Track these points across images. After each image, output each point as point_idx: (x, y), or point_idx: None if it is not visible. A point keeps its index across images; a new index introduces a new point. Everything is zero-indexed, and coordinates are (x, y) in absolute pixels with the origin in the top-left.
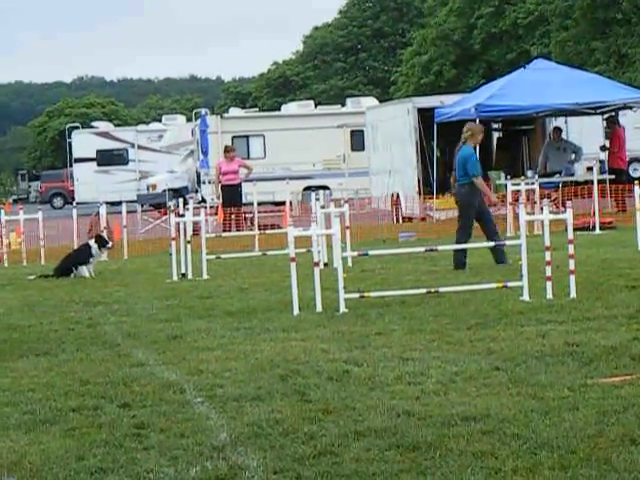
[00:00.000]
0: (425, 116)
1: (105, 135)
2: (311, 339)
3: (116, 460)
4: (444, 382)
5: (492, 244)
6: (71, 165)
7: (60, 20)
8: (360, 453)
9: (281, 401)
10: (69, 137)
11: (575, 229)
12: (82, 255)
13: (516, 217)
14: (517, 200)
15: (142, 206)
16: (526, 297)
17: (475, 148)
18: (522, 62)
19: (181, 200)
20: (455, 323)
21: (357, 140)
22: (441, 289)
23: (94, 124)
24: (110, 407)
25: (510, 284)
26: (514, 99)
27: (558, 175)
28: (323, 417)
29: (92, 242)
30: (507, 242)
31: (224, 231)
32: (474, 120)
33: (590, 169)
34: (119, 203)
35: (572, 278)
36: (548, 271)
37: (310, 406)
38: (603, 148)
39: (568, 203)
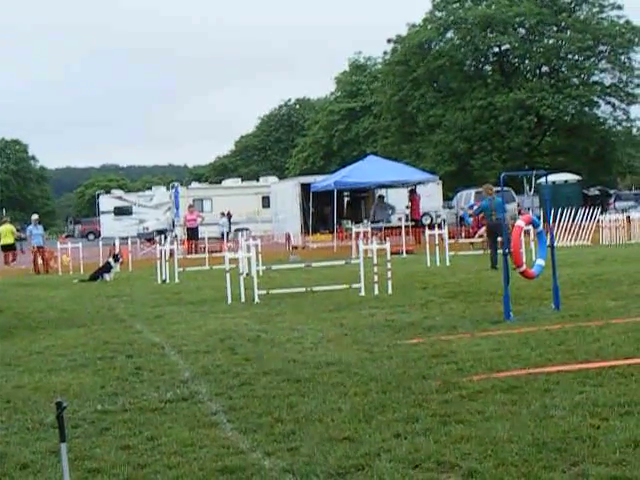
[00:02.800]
0: (305, 188)
1: (119, 198)
2: (238, 317)
3: (124, 388)
4: (315, 342)
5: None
6: (99, 215)
7: (91, 121)
8: (266, 384)
9: (220, 353)
10: (97, 198)
11: (391, 253)
12: (105, 267)
13: (357, 246)
14: (358, 236)
15: (140, 240)
16: (363, 293)
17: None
18: (361, 158)
19: (163, 236)
20: (322, 308)
21: (265, 202)
22: (314, 288)
23: (112, 191)
24: (121, 357)
25: (354, 285)
26: (357, 178)
27: (382, 222)
28: (245, 363)
29: (111, 259)
30: (352, 261)
31: (188, 254)
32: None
33: (400, 219)
34: (127, 238)
35: (389, 282)
36: (375, 278)
37: (237, 357)
38: (407, 207)
39: (387, 238)
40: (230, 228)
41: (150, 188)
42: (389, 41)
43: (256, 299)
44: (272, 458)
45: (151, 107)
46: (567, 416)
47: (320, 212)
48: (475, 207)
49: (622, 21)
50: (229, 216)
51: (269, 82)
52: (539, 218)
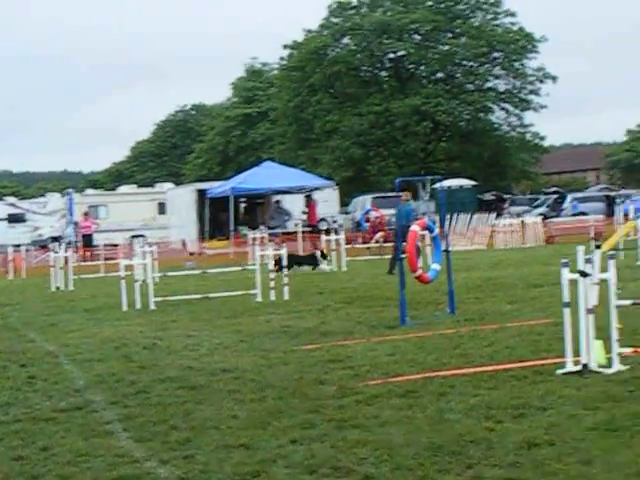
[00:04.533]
0: (201, 194)
1: (12, 205)
2: (133, 325)
3: (17, 398)
4: (211, 349)
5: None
6: None
7: None
8: (162, 392)
9: (115, 361)
10: None
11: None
12: None
13: (253, 252)
14: (255, 242)
15: (34, 247)
16: (259, 299)
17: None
18: (257, 163)
19: (57, 244)
20: (218, 315)
21: (161, 208)
22: (211, 295)
23: (5, 198)
24: (14, 366)
25: (250, 291)
26: (253, 184)
27: (278, 228)
28: (140, 371)
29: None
30: (248, 267)
31: (83, 261)
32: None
33: (297, 225)
34: (20, 245)
35: (286, 288)
36: (272, 284)
37: (132, 364)
38: (304, 212)
39: (284, 244)
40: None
41: (44, 195)
42: (285, 47)
43: (152, 306)
44: (167, 466)
45: (46, 113)
46: (462, 419)
47: (217, 218)
48: (373, 213)
49: (516, 28)
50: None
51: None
52: (434, 223)
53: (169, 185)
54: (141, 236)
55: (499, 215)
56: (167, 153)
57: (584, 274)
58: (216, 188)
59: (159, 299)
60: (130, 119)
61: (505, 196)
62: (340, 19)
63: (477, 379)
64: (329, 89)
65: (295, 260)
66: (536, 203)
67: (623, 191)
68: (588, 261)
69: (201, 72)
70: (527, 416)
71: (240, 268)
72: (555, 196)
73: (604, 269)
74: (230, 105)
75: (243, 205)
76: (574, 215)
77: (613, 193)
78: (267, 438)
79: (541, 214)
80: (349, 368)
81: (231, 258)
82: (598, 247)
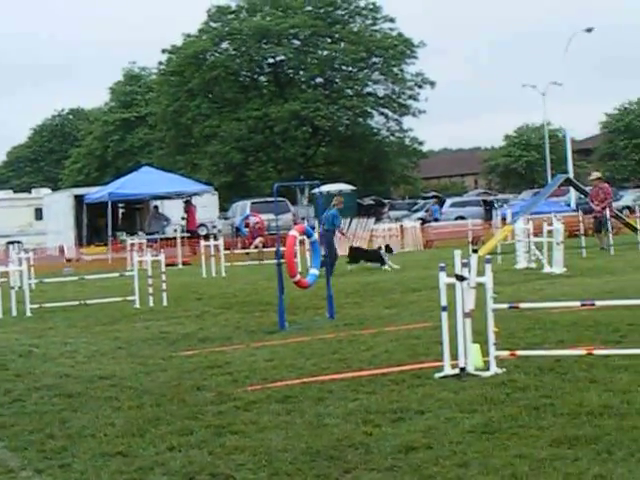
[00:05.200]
0: (79, 199)
1: None
2: (9, 332)
3: None
4: (89, 356)
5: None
6: None
7: None
8: (38, 400)
9: None
10: None
11: (167, 265)
12: None
13: (132, 258)
14: (133, 248)
15: None
16: (137, 305)
17: (338, 211)
18: (136, 168)
19: None
20: (96, 321)
21: (38, 214)
22: (88, 301)
23: None
24: None
25: (129, 298)
26: (132, 189)
27: (157, 233)
28: (15, 379)
29: None
30: (127, 273)
31: None
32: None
33: (176, 230)
34: None
35: (164, 294)
36: (150, 290)
37: (7, 372)
38: (183, 218)
39: (162, 250)
40: None
41: None
42: (164, 51)
43: (28, 313)
44: (43, 476)
45: None
46: (340, 424)
47: (94, 224)
48: (252, 218)
49: (395, 33)
50: None
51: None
52: (314, 228)
53: (46, 190)
54: (17, 242)
55: (378, 220)
56: (44, 158)
57: (461, 278)
58: (94, 193)
59: (35, 306)
60: (6, 124)
61: (384, 201)
62: (219, 24)
63: (356, 384)
64: (208, 94)
65: (361, 255)
66: (415, 207)
67: (501, 195)
68: (465, 265)
69: (78, 76)
70: (405, 420)
71: (118, 274)
72: (434, 200)
73: (481, 273)
74: (108, 110)
75: (121, 211)
76: (436, 220)
77: (491, 197)
78: (145, 445)
79: (420, 218)
80: (228, 374)
81: (109, 264)
82: (475, 251)
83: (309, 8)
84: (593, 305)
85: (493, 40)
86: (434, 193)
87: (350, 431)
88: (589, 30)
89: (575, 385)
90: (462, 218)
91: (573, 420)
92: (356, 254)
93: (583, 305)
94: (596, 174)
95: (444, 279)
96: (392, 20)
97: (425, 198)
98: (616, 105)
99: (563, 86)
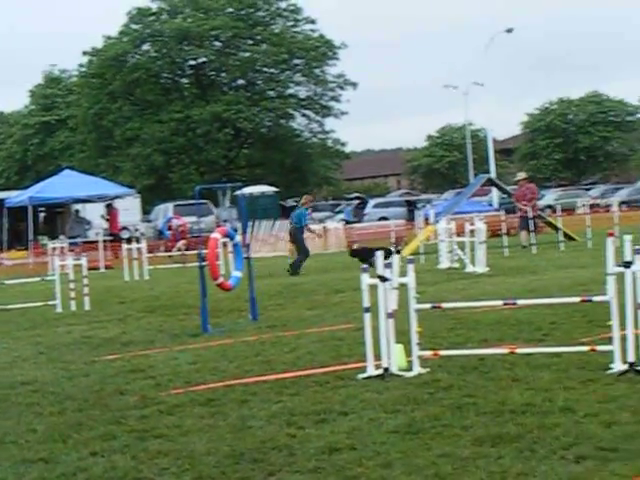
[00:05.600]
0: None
1: None
2: None
3: None
4: (10, 362)
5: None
6: None
7: None
8: None
9: None
10: None
11: (89, 269)
12: None
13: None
14: (55, 252)
15: None
16: (59, 310)
17: (307, 210)
18: (56, 172)
19: None
20: (17, 327)
21: None
22: (9, 306)
23: None
24: None
25: (50, 302)
26: (52, 193)
27: (79, 237)
28: None
29: None
30: (48, 278)
31: None
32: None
33: (98, 234)
34: None
35: (86, 298)
36: (72, 294)
37: None
38: (105, 219)
39: (84, 254)
40: None
41: None
42: (84, 53)
43: None
44: None
45: None
46: (264, 426)
47: (15, 228)
48: (175, 221)
49: (316, 35)
50: None
51: None
52: (236, 230)
53: None
54: None
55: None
56: None
57: (383, 279)
58: (14, 197)
59: None
60: None
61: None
62: (140, 25)
63: (279, 386)
64: (129, 96)
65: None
66: (338, 209)
67: (424, 196)
68: (388, 266)
69: None
70: (329, 421)
71: (39, 279)
72: (357, 202)
73: (404, 273)
74: (28, 113)
75: (42, 215)
76: (347, 223)
77: (414, 198)
78: (67, 451)
79: (343, 220)
80: (151, 378)
81: (30, 269)
82: (398, 252)
83: (230, 10)
84: (515, 304)
85: (416, 40)
86: (357, 194)
87: (274, 433)
88: (509, 30)
89: (498, 384)
90: (385, 219)
91: (496, 419)
92: (362, 253)
93: (505, 304)
94: (522, 174)
95: (366, 280)
96: (313, 22)
97: (348, 199)
98: (537, 105)
99: (484, 86)
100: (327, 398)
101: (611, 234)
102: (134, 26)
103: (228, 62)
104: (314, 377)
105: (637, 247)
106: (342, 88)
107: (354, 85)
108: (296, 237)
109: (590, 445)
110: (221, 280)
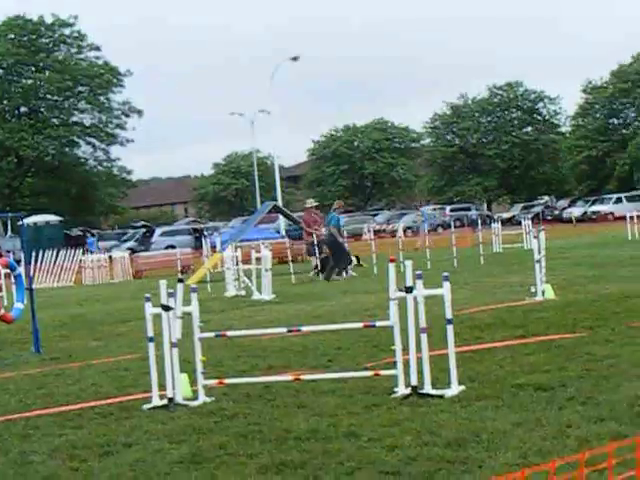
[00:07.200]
0: None
1: None
2: None
3: None
4: None
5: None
6: None
7: None
8: None
9: None
10: None
11: None
12: None
13: None
14: None
15: None
16: None
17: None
18: None
19: None
20: None
21: None
22: None
23: None
24: None
25: None
26: None
27: None
28: None
29: None
30: None
31: None
32: None
33: None
34: None
35: None
36: None
37: None
38: None
39: None
40: None
41: None
42: None
43: None
44: None
45: None
46: (46, 461)
47: None
48: None
49: (101, 62)
50: None
51: None
52: (19, 261)
53: None
54: None
55: (86, 251)
56: None
57: (167, 308)
58: None
59: None
60: None
61: (93, 231)
62: None
63: (62, 419)
64: None
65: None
66: (125, 237)
67: (211, 223)
68: (171, 295)
69: None
70: (113, 453)
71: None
72: (144, 230)
73: (188, 302)
74: None
75: None
76: (91, 252)
77: (201, 226)
78: None
79: (129, 248)
80: None
81: None
82: (181, 280)
83: (12, 36)
84: (299, 331)
85: (202, 67)
86: (143, 222)
87: (56, 467)
88: (295, 59)
89: (283, 411)
90: (172, 247)
91: (281, 446)
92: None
93: (289, 331)
94: (311, 201)
95: (150, 309)
96: (98, 48)
97: (135, 228)
98: (323, 132)
99: (271, 114)
100: (111, 430)
101: (392, 260)
102: None
103: (10, 89)
104: (98, 409)
105: (418, 272)
106: (128, 116)
107: (140, 112)
108: (332, 241)
109: (373, 469)
110: (2, 312)
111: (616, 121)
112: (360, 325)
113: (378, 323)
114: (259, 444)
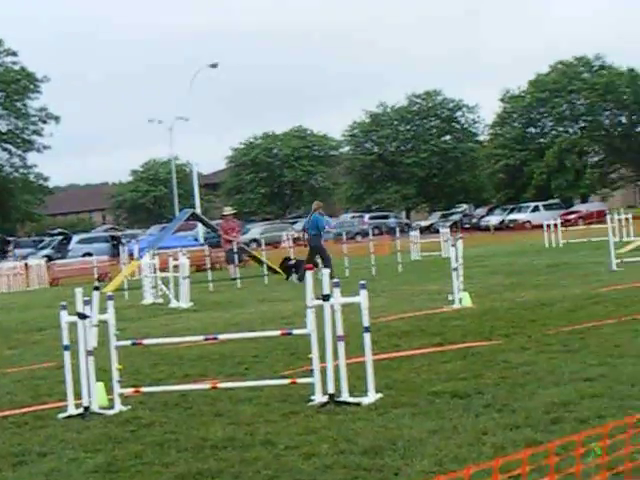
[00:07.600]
0: None
1: None
2: None
3: None
4: None
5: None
6: None
7: None
8: None
9: None
10: None
11: None
12: None
13: None
14: None
15: None
16: None
17: (321, 215)
18: None
19: None
20: None
21: None
22: None
23: None
24: None
25: None
26: None
27: None
28: None
29: None
30: None
31: None
32: None
33: None
34: None
35: None
36: None
37: None
38: None
39: None
40: None
41: None
42: None
43: None
44: None
45: None
46: None
47: None
48: None
49: (17, 67)
50: None
51: None
52: None
53: None
54: None
55: (3, 258)
56: None
57: (83, 316)
58: None
59: None
60: None
61: (10, 238)
62: None
63: None
64: None
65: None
66: (41, 245)
67: (129, 231)
68: (87, 303)
69: None
70: (27, 463)
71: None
72: (60, 237)
73: (104, 310)
74: None
75: None
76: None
77: (119, 233)
78: None
79: (46, 256)
80: None
81: None
82: (97, 288)
83: None
84: (216, 339)
85: (120, 74)
86: (60, 230)
87: None
88: (214, 66)
89: (200, 419)
90: (90, 254)
91: (197, 454)
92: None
93: (206, 339)
94: (229, 209)
95: (66, 317)
96: (15, 54)
97: (51, 235)
98: (242, 140)
99: (190, 121)
100: (26, 439)
101: (309, 267)
102: None
103: None
104: (13, 418)
105: (335, 280)
106: (45, 122)
107: (57, 119)
108: (315, 244)
109: (289, 478)
110: None
111: (533, 130)
112: (277, 333)
113: (295, 331)
114: (175, 453)
